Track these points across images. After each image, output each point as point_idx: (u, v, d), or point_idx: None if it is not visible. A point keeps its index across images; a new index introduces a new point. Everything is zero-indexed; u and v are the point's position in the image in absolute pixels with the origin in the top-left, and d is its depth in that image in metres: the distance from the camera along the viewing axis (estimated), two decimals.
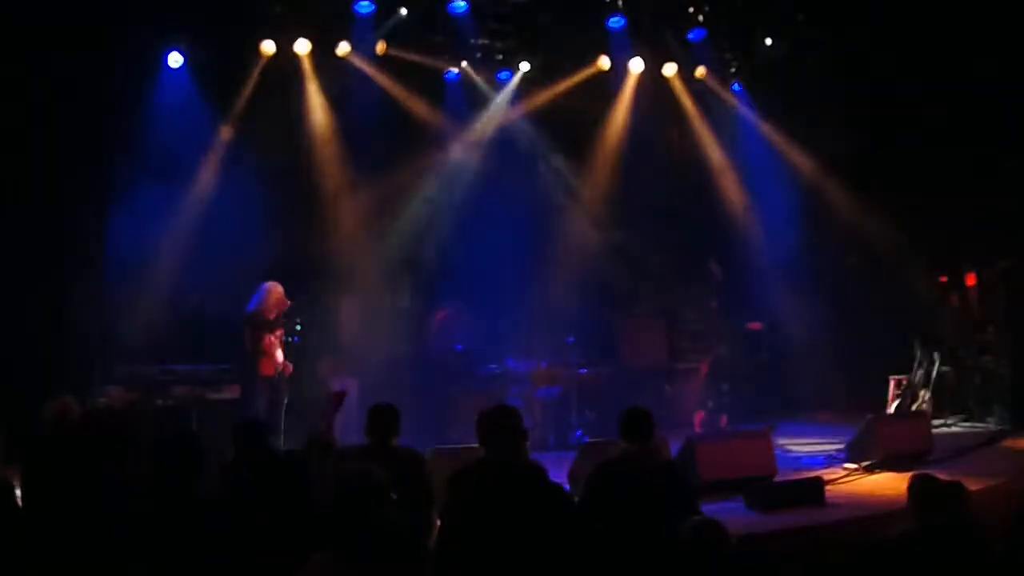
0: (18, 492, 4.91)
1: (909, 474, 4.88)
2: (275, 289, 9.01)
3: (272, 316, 8.94)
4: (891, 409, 10.28)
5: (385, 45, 10.51)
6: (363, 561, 3.20)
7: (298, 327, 9.76)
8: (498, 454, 4.12)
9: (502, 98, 11.54)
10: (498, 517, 3.95)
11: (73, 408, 5.41)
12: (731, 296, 11.30)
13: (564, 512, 4.15)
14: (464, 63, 11.16)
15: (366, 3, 10.22)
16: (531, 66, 11.32)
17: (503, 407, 4.39)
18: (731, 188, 12.30)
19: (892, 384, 10.64)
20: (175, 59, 10.00)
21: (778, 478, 7.57)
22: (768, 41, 11.56)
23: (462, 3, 10.39)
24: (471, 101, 11.53)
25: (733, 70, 11.98)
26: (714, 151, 12.23)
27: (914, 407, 10.04)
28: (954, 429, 10.15)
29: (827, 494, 7.06)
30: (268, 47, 10.15)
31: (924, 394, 10.20)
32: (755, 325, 11.65)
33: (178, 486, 3.98)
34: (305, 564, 3.24)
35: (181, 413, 8.69)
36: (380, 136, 10.87)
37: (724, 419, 10.76)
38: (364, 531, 3.14)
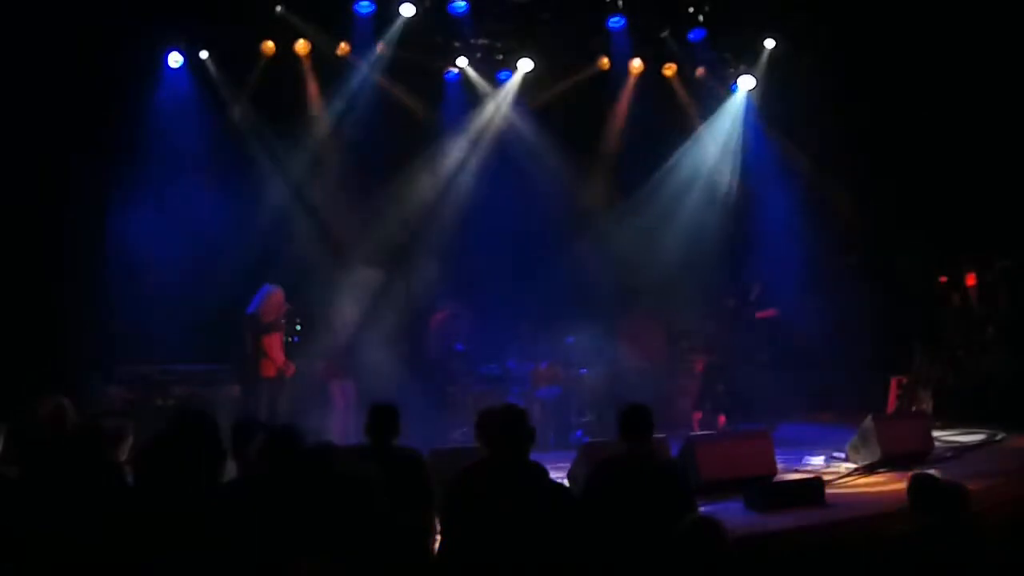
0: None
1: (909, 474, 4.87)
2: (276, 292, 9.03)
3: (272, 318, 8.96)
4: (891, 409, 10.28)
5: (385, 45, 10.51)
6: (362, 561, 3.19)
7: (298, 328, 9.76)
8: (504, 454, 4.09)
9: (502, 97, 11.55)
10: (502, 517, 3.93)
11: (67, 407, 5.40)
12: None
13: (569, 511, 4.14)
14: (464, 63, 11.16)
15: (366, 3, 10.22)
16: (531, 66, 11.32)
17: (508, 406, 4.34)
18: (731, 188, 12.30)
19: (892, 384, 10.64)
20: (175, 59, 10.01)
21: (778, 478, 7.56)
22: (768, 41, 11.56)
23: (462, 3, 10.39)
24: (471, 101, 11.53)
25: (733, 70, 11.98)
26: (714, 151, 12.22)
27: (914, 407, 10.03)
28: (954, 430, 10.13)
29: (827, 494, 7.05)
30: (268, 47, 10.15)
31: (924, 394, 10.20)
32: (766, 312, 11.62)
33: (180, 485, 3.96)
34: (303, 564, 3.23)
35: None
36: (380, 136, 10.86)
37: (722, 419, 10.75)
38: (362, 531, 3.14)
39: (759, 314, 11.39)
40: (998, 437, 9.29)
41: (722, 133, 12.27)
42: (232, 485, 4.51)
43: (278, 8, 9.94)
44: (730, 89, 12.14)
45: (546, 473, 4.21)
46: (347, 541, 3.15)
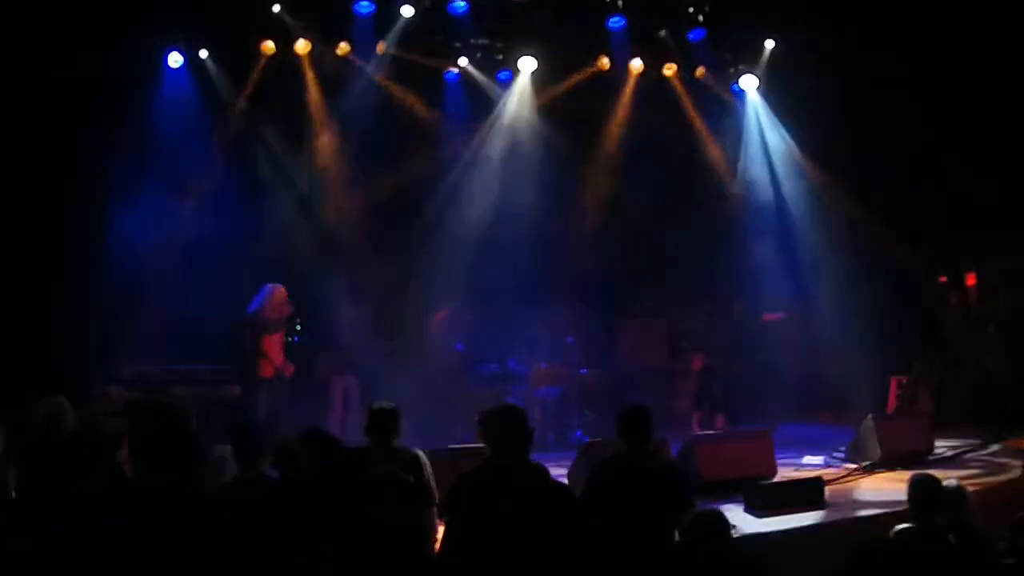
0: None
1: (909, 474, 4.88)
2: (278, 291, 9.02)
3: (275, 316, 8.95)
4: (891, 409, 10.28)
5: (385, 45, 10.52)
6: (365, 562, 3.19)
7: (298, 327, 9.76)
8: (504, 454, 4.09)
9: (501, 97, 11.55)
10: (501, 517, 3.92)
11: (65, 408, 5.40)
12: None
13: (569, 512, 4.13)
14: (464, 63, 11.16)
15: (366, 3, 10.22)
16: (531, 65, 11.31)
17: (509, 406, 4.35)
18: (731, 188, 12.30)
19: (892, 384, 10.64)
20: (175, 59, 10.01)
21: (778, 478, 7.56)
22: (768, 41, 11.57)
23: (462, 3, 10.39)
24: (471, 101, 11.53)
25: (733, 70, 11.98)
26: (714, 151, 12.23)
27: (914, 407, 10.03)
28: (951, 440, 10.12)
29: (827, 494, 7.05)
30: (268, 47, 10.16)
31: (924, 394, 10.20)
32: (773, 316, 11.61)
33: (187, 482, 3.96)
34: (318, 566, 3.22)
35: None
36: (380, 136, 10.86)
37: (720, 419, 10.76)
38: (367, 532, 3.14)
39: (766, 317, 11.41)
40: (995, 445, 9.28)
41: (722, 133, 12.26)
42: (233, 485, 4.52)
43: (275, 8, 9.94)
44: (730, 89, 12.14)
45: (547, 473, 4.21)
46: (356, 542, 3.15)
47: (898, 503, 5.55)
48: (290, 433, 6.27)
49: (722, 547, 3.79)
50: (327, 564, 3.19)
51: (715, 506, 6.38)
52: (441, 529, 4.19)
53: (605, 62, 11.35)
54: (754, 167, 12.34)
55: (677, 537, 4.55)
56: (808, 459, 8.74)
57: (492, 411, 4.26)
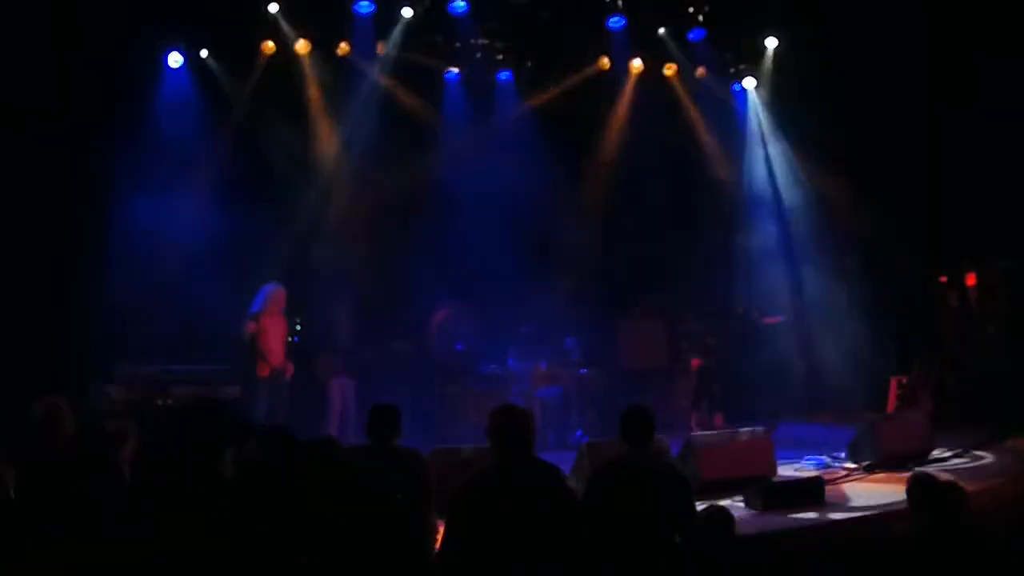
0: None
1: (909, 474, 4.88)
2: (278, 291, 9.02)
3: (276, 316, 8.96)
4: (891, 409, 10.28)
5: (385, 45, 10.52)
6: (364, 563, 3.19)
7: (298, 328, 9.75)
8: (506, 455, 4.09)
9: (502, 98, 11.56)
10: (501, 518, 3.92)
11: (64, 409, 5.40)
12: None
13: (570, 513, 4.12)
14: (464, 63, 11.16)
15: (366, 3, 10.24)
16: (531, 66, 11.32)
17: (511, 407, 4.34)
18: (730, 188, 12.30)
19: (892, 384, 10.64)
20: (175, 59, 10.02)
21: (778, 478, 7.57)
22: (768, 41, 11.57)
23: (462, 3, 10.40)
24: (471, 101, 11.53)
25: (733, 70, 11.99)
26: (714, 151, 12.23)
27: (914, 407, 10.04)
28: (954, 430, 10.13)
29: (827, 494, 7.06)
30: (268, 47, 10.17)
31: (924, 394, 10.19)
32: (773, 319, 11.63)
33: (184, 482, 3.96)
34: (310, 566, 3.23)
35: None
36: (380, 136, 10.87)
37: (718, 418, 10.76)
38: (367, 533, 3.14)
39: (766, 320, 11.42)
40: (995, 445, 9.27)
41: (723, 133, 12.27)
42: (230, 484, 4.51)
43: (271, 8, 9.94)
44: (730, 89, 12.15)
45: (557, 474, 4.19)
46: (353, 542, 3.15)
47: (898, 503, 5.55)
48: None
49: (729, 542, 3.81)
50: (326, 564, 3.19)
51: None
52: (441, 529, 4.20)
53: (605, 62, 11.36)
54: (755, 167, 12.35)
55: (678, 539, 4.56)
56: (808, 459, 8.74)
57: (495, 412, 4.26)
